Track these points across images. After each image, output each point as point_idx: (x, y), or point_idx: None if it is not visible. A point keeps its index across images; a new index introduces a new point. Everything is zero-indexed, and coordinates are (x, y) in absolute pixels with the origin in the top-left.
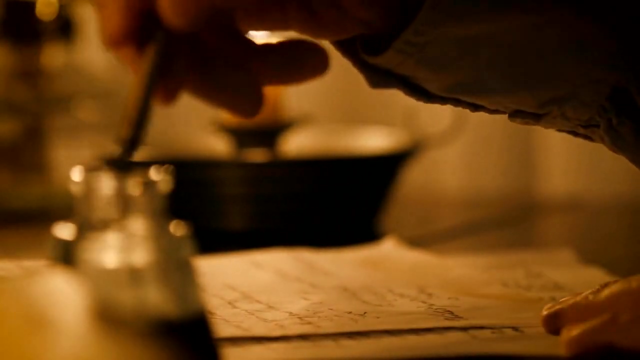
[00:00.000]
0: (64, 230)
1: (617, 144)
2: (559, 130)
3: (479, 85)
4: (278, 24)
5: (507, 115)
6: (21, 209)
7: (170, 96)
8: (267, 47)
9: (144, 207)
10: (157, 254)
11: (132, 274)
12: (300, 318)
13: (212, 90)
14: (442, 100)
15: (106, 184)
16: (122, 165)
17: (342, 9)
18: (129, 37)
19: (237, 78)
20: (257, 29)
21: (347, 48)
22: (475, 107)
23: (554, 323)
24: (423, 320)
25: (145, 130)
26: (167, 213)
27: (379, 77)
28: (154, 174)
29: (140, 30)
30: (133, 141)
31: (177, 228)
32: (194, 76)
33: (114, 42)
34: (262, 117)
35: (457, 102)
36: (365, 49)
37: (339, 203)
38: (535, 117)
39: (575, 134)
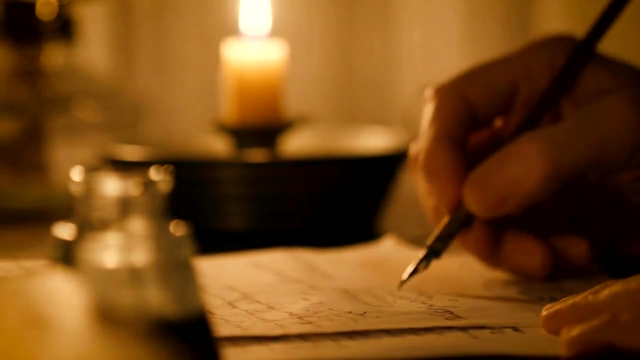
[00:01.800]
0: (64, 230)
1: None
2: None
3: None
4: None
5: None
6: (21, 209)
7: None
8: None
9: (144, 207)
10: (157, 254)
11: (132, 274)
12: (300, 318)
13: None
14: None
15: (106, 184)
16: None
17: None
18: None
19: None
20: None
21: None
22: None
23: (554, 323)
24: (423, 320)
25: (445, 248)
26: (167, 213)
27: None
28: (154, 174)
29: None
30: (433, 250)
31: (177, 228)
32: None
33: (450, 212)
34: (261, 117)
35: None
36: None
37: (338, 203)
38: None
39: None
